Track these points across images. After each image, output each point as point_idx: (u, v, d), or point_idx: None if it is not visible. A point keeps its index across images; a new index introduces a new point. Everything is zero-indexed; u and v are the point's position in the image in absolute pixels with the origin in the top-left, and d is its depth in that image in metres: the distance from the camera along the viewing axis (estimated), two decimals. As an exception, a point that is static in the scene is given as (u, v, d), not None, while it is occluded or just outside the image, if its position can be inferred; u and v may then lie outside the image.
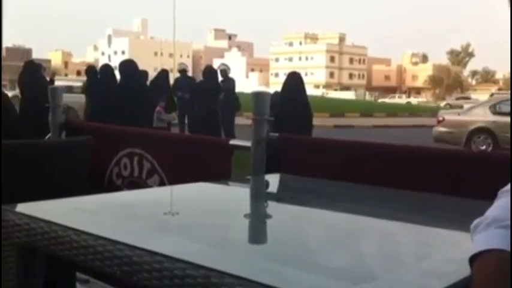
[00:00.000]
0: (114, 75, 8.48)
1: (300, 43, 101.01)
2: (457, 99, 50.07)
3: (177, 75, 12.54)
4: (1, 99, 2.37)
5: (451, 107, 33.55)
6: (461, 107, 19.33)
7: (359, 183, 1.90)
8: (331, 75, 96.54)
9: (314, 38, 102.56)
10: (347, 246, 1.23)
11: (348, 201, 1.76)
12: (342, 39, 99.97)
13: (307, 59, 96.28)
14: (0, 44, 6.37)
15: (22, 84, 9.37)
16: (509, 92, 22.03)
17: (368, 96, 69.62)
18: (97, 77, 9.31)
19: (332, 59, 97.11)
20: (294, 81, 7.30)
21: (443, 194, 1.76)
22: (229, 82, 11.06)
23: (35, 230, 1.28)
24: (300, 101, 7.05)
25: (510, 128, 9.59)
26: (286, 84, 7.28)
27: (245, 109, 10.38)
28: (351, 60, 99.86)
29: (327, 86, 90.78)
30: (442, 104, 47.77)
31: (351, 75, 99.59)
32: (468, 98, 48.54)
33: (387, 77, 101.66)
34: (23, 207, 1.39)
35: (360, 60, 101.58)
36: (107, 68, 9.17)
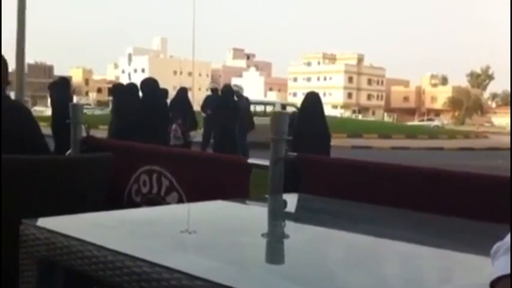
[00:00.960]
0: (138, 94, 8.57)
1: (318, 63, 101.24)
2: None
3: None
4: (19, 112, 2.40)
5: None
6: None
7: (378, 204, 1.89)
8: (349, 95, 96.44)
9: (332, 59, 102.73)
10: (366, 268, 1.21)
11: (367, 223, 1.75)
12: (360, 60, 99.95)
13: (325, 79, 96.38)
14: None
15: (53, 101, 9.75)
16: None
17: (387, 118, 69.31)
18: (123, 95, 9.34)
19: (350, 79, 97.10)
20: (312, 101, 7.32)
21: (464, 217, 1.74)
22: (243, 101, 11.10)
23: (54, 245, 1.29)
24: (318, 121, 7.06)
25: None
26: (304, 104, 7.29)
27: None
28: (369, 81, 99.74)
29: (345, 106, 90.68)
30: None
31: (369, 96, 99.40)
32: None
33: (406, 99, 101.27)
34: (43, 222, 1.40)
35: (378, 81, 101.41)
36: (132, 86, 9.25)
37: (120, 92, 10.07)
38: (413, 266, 1.22)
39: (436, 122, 57.14)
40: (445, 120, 66.38)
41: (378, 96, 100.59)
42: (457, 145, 25.52)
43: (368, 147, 22.11)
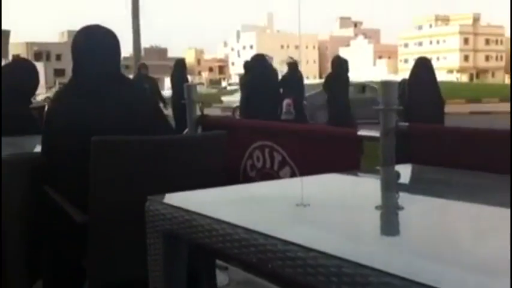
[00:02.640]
0: (266, 70, 8.42)
1: (430, 26, 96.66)
2: None
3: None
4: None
5: None
6: None
7: (494, 172, 1.81)
8: (466, 58, 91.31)
9: (445, 20, 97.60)
10: (485, 239, 1.18)
11: (484, 192, 1.69)
12: (476, 19, 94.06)
13: (438, 42, 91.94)
14: None
15: (173, 82, 10.34)
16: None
17: (507, 80, 64.94)
18: (251, 72, 9.29)
19: (466, 41, 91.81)
20: (423, 67, 7.02)
21: None
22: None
23: (177, 219, 1.38)
24: (430, 88, 6.78)
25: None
26: (414, 71, 7.01)
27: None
28: (487, 41, 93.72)
29: (461, 70, 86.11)
30: None
31: (487, 58, 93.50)
32: None
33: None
34: (167, 198, 1.50)
35: (497, 40, 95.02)
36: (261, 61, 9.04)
37: (247, 68, 10.06)
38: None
39: None
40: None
41: (497, 57, 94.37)
42: None
43: (487, 113, 20.90)
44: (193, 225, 1.32)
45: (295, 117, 9.30)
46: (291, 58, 10.98)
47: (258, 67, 8.18)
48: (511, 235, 1.10)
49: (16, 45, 62.07)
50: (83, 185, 2.11)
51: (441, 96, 6.95)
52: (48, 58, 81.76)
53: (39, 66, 3.96)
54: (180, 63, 10.63)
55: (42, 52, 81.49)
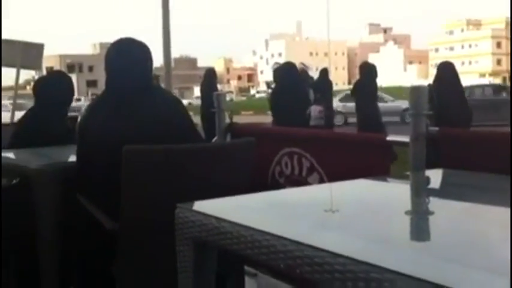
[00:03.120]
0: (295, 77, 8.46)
1: (462, 30, 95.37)
2: None
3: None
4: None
5: None
6: None
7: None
8: (498, 62, 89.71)
9: (477, 24, 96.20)
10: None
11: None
12: (508, 23, 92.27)
13: (470, 46, 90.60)
14: None
15: (202, 91, 10.40)
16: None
17: (543, 83, 63.45)
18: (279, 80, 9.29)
19: (498, 44, 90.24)
20: (447, 71, 6.89)
21: None
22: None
23: (206, 226, 1.38)
24: (455, 91, 6.65)
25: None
26: (439, 76, 6.88)
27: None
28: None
29: (494, 74, 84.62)
30: None
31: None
32: None
33: None
34: (196, 205, 1.51)
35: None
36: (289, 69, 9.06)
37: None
38: None
39: None
40: None
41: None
42: None
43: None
44: (222, 232, 1.32)
45: (325, 123, 9.27)
46: (303, 64, 10.98)
47: (286, 75, 8.18)
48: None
49: (49, 58, 63.41)
50: (114, 195, 2.15)
51: (466, 101, 6.83)
52: (80, 70, 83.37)
53: (72, 77, 4.06)
54: (210, 73, 10.72)
55: (74, 64, 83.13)
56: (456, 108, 6.30)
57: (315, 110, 9.23)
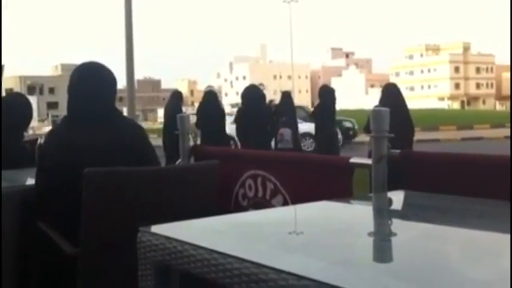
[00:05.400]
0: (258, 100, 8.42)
1: (421, 55, 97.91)
2: None
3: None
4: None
5: None
6: None
7: (487, 198, 1.81)
8: (457, 86, 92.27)
9: (436, 49, 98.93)
10: (478, 265, 1.18)
11: (476, 218, 1.69)
12: (466, 48, 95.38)
13: (429, 71, 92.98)
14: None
15: (166, 113, 10.17)
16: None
17: (498, 107, 65.52)
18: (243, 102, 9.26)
19: (456, 69, 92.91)
20: (391, 93, 7.01)
21: None
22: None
23: (169, 250, 1.36)
24: (399, 114, 6.75)
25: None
26: (382, 98, 6.97)
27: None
28: (478, 70, 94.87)
29: (452, 97, 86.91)
30: None
31: (478, 85, 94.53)
32: None
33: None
34: (158, 229, 1.49)
35: (487, 68, 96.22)
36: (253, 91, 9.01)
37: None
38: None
39: None
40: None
41: (487, 85, 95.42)
42: None
43: (479, 138, 21.01)
44: (185, 255, 1.31)
45: (292, 146, 9.36)
46: (262, 85, 11.11)
47: (250, 97, 8.24)
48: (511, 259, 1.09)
49: (9, 79, 62.22)
50: (75, 218, 2.10)
51: (411, 121, 6.93)
52: (41, 92, 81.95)
53: (32, 99, 3.99)
54: (175, 95, 10.61)
55: (35, 85, 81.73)
56: (398, 127, 6.38)
57: (286, 133, 9.32)
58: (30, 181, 2.55)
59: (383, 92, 7.14)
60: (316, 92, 11.15)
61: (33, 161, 2.84)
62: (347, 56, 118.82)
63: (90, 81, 2.50)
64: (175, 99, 10.41)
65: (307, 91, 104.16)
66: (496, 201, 1.78)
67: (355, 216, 1.86)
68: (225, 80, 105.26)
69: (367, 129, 3.98)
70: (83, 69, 2.55)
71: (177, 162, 3.42)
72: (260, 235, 1.51)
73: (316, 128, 10.02)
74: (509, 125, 26.97)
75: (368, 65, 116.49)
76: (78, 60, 2.60)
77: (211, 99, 9.49)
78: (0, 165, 3.09)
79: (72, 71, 2.60)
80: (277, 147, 9.26)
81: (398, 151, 2.33)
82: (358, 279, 1.07)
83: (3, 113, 3.53)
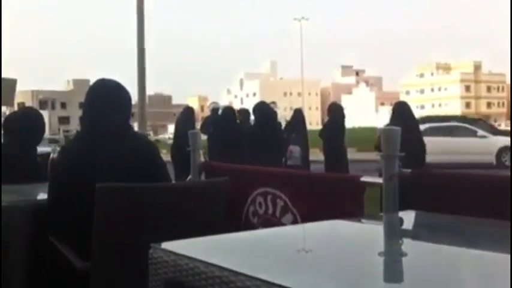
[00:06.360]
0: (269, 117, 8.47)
1: (432, 74, 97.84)
2: None
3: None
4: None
5: None
6: None
7: (500, 218, 1.80)
8: (467, 105, 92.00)
9: (447, 68, 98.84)
10: (487, 285, 1.17)
11: (489, 239, 1.68)
12: (477, 67, 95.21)
13: (440, 89, 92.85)
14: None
15: (177, 129, 10.17)
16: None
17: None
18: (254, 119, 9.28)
19: (467, 88, 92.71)
20: (402, 111, 6.98)
21: None
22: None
23: (180, 266, 1.37)
24: (413, 133, 6.73)
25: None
26: (395, 115, 6.94)
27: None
28: (489, 89, 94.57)
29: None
30: None
31: (489, 104, 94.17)
32: None
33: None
34: (170, 245, 1.50)
35: (498, 87, 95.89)
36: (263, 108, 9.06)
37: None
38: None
39: None
40: None
41: (499, 104, 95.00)
42: None
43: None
44: (196, 272, 1.31)
45: (301, 163, 9.33)
46: (274, 103, 11.11)
47: (260, 114, 8.27)
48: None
49: (21, 94, 62.76)
50: (86, 233, 2.11)
51: (422, 140, 6.89)
52: (53, 106, 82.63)
53: (44, 114, 4.04)
54: (188, 111, 10.54)
55: (47, 100, 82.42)
56: (410, 146, 6.35)
57: (295, 150, 9.31)
58: (43, 195, 2.57)
59: (393, 110, 7.13)
60: (326, 109, 11.12)
61: (45, 175, 2.86)
62: (357, 73, 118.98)
63: (109, 98, 2.53)
64: (187, 114, 10.36)
65: (317, 108, 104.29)
66: (508, 223, 1.77)
67: (365, 235, 1.85)
68: (235, 97, 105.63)
69: (378, 148, 3.98)
70: (102, 85, 2.58)
71: (188, 179, 3.44)
72: (270, 253, 1.51)
73: (324, 145, 9.98)
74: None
75: (378, 82, 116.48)
76: (90, 76, 2.64)
77: (228, 113, 9.48)
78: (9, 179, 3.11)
79: (84, 86, 2.63)
80: (286, 164, 9.25)
81: (409, 170, 2.33)
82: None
83: (16, 127, 3.57)
